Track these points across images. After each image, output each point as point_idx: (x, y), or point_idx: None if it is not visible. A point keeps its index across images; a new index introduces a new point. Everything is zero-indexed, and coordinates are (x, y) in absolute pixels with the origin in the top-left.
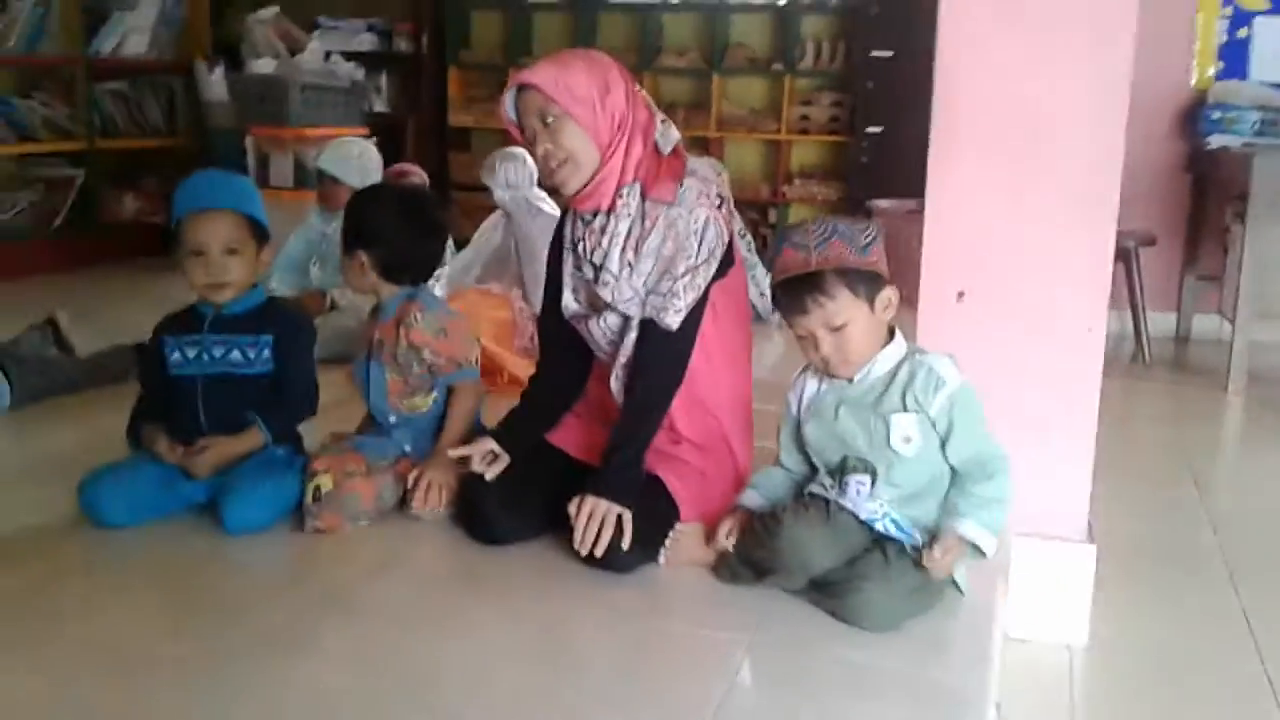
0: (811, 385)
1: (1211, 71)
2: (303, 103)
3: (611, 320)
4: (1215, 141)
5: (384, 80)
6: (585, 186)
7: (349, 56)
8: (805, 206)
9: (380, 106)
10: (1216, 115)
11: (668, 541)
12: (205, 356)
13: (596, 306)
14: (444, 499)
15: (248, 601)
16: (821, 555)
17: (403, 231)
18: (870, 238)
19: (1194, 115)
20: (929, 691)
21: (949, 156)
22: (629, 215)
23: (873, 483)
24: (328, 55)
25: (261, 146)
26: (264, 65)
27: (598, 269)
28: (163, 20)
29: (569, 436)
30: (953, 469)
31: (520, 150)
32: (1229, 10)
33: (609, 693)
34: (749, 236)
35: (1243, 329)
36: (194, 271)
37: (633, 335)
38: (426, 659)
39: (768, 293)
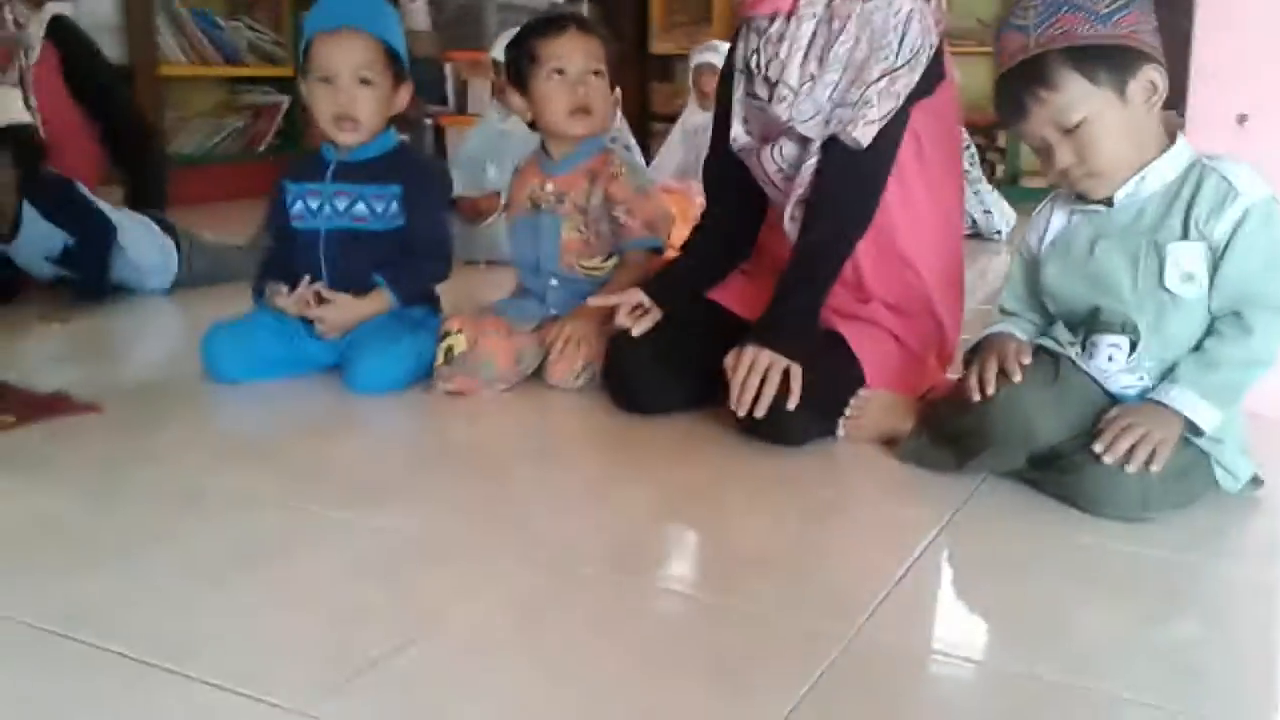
0: (1059, 218)
1: None
2: (500, 24)
3: (787, 148)
4: None
5: (584, 6)
6: None
7: None
8: None
9: None
10: None
11: (849, 410)
12: (328, 208)
13: (770, 136)
14: (583, 359)
15: (361, 461)
16: (1050, 422)
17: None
18: (1118, 1)
19: None
20: (1212, 584)
21: None
22: (814, 16)
23: (1132, 349)
24: None
25: (461, 72)
26: None
27: (773, 85)
28: None
29: (734, 294)
30: (1212, 320)
31: (718, 44)
32: None
33: (761, 568)
34: (973, 149)
35: None
36: (320, 101)
37: (812, 162)
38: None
39: (994, 210)
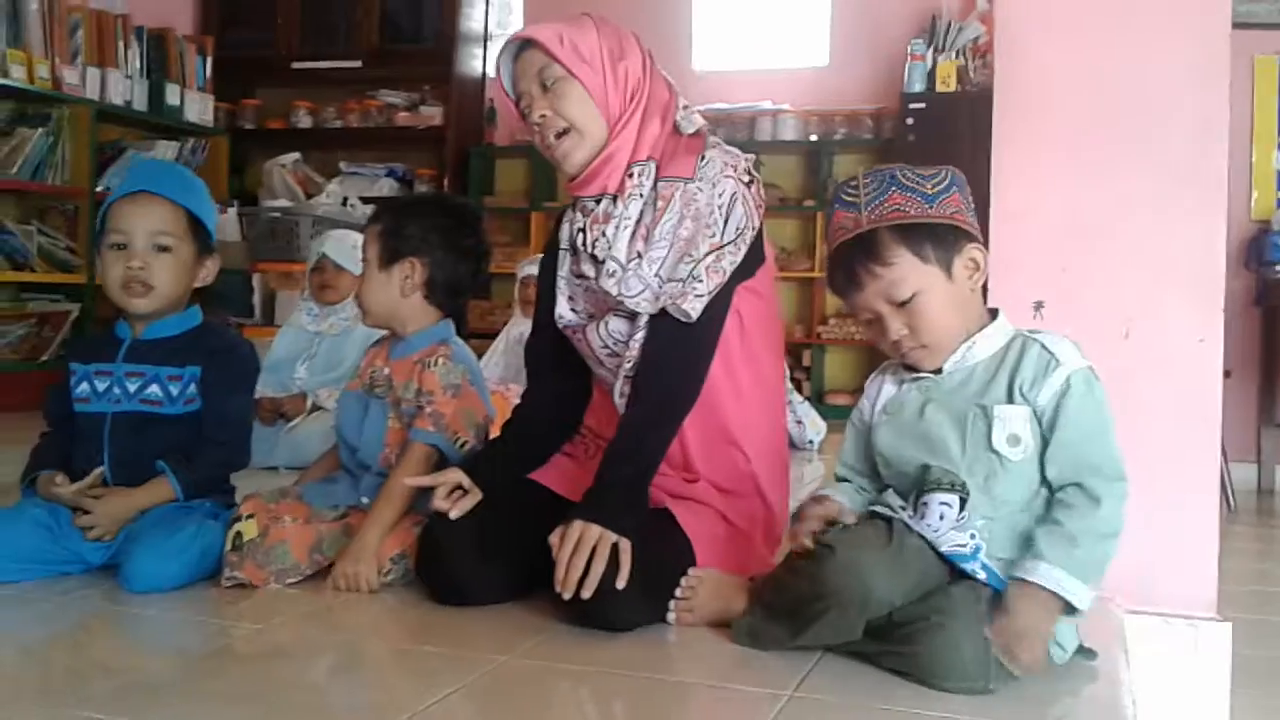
0: (890, 386)
1: (1273, 200)
2: (313, 238)
3: (615, 325)
4: None
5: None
6: (590, 165)
7: (369, 201)
8: (842, 349)
9: None
10: None
11: (679, 591)
12: (117, 390)
13: (598, 313)
14: (395, 548)
15: (134, 666)
16: (887, 583)
17: (453, 242)
18: (942, 184)
19: (1258, 246)
20: None
21: (1014, 142)
22: (640, 196)
23: (962, 506)
24: (345, 200)
25: (269, 283)
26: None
27: (600, 263)
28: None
29: (559, 476)
30: (1048, 487)
31: None
32: None
33: None
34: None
35: None
36: (111, 268)
37: (640, 337)
38: None
39: (805, 420)
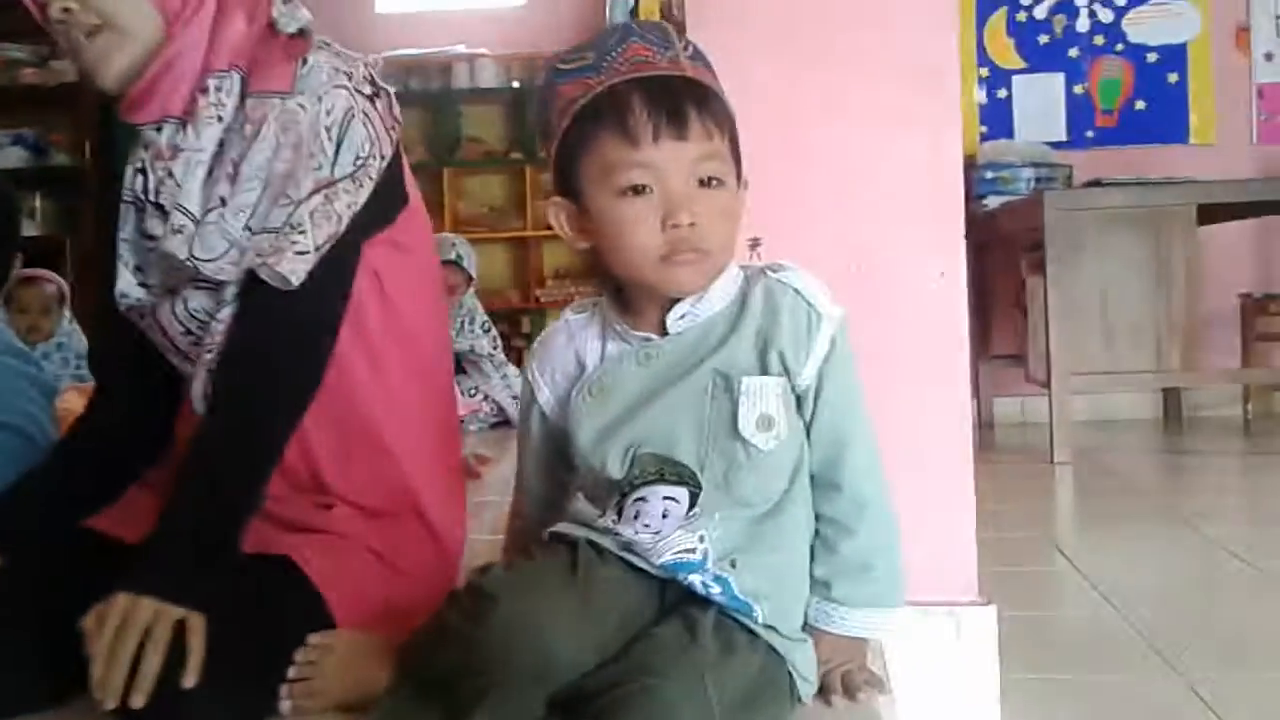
0: (593, 343)
1: (977, 134)
2: None
3: (195, 300)
4: (993, 201)
5: (37, 200)
6: (140, 78)
7: None
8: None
9: (34, 230)
10: (990, 175)
11: (294, 668)
12: None
13: (176, 287)
14: None
15: None
16: (572, 643)
17: None
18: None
19: (965, 180)
20: None
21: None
22: (218, 120)
23: (692, 502)
24: None
25: None
26: None
27: (168, 214)
28: None
29: (132, 517)
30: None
31: None
32: (985, 71)
33: None
34: (494, 333)
35: (1061, 383)
36: None
37: (227, 314)
38: None
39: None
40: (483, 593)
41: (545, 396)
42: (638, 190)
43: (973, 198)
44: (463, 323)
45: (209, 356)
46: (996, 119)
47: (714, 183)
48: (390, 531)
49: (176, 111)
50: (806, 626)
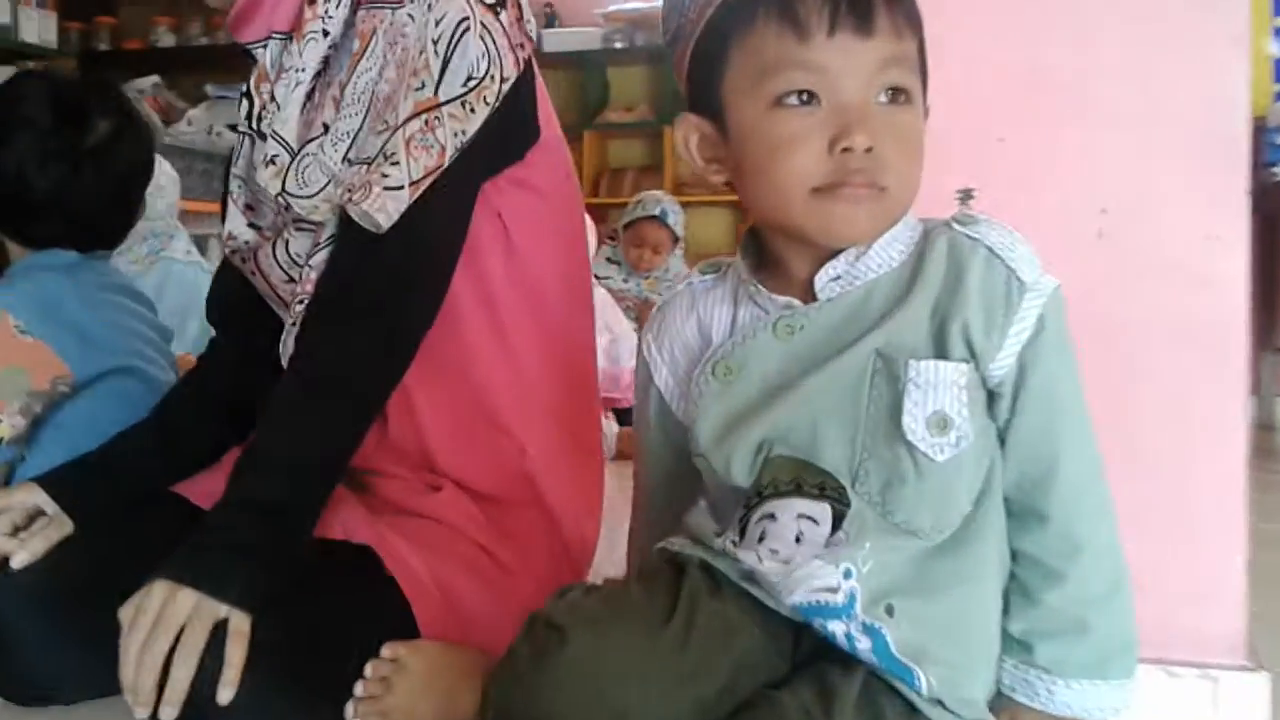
0: (721, 309)
1: (1271, 92)
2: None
3: (297, 243)
4: None
5: None
6: None
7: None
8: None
9: None
10: None
11: (361, 686)
12: None
13: (281, 227)
14: None
15: None
16: (655, 699)
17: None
18: None
19: (1254, 145)
20: None
21: None
22: (324, 35)
23: (836, 524)
24: (211, 128)
25: None
26: None
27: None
28: None
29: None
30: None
31: None
32: None
33: None
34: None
35: None
36: None
37: (321, 256)
38: None
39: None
40: (550, 624)
41: (663, 377)
42: (802, 98)
43: (1261, 164)
44: (668, 287)
45: (299, 308)
46: None
47: (901, 98)
48: (503, 522)
49: (283, 26)
50: (998, 700)
